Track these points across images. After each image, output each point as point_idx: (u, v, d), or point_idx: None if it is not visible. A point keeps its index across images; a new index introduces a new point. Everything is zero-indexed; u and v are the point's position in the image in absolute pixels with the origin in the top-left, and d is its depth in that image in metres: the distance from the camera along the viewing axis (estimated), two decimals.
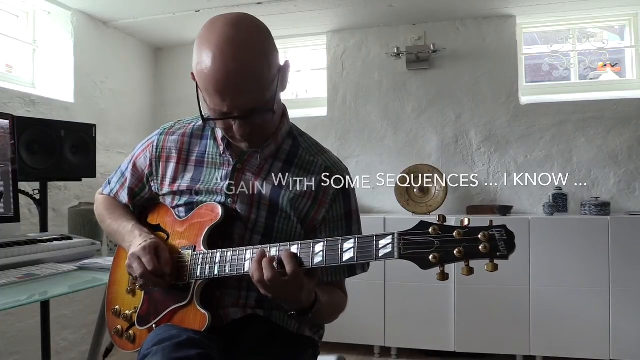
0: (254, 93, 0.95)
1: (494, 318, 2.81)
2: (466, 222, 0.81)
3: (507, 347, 2.82)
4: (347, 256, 0.87)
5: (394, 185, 3.25)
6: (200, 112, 0.99)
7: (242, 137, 1.00)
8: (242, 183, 1.09)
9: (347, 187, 1.12)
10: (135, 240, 1.09)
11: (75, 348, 2.89)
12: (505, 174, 3.24)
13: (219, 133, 1.11)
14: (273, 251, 0.94)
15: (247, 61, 0.94)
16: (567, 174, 3.14)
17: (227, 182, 1.09)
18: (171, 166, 1.16)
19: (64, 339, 2.83)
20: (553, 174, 3.16)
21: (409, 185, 3.23)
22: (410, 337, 2.95)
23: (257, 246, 0.97)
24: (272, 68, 0.98)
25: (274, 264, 0.90)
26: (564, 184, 3.11)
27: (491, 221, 0.81)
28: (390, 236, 0.84)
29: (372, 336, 3.00)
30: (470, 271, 0.81)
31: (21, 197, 1.74)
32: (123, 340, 1.13)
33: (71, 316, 2.86)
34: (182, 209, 1.13)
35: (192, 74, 1.03)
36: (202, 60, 0.94)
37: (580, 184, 3.11)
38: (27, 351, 2.54)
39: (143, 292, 1.10)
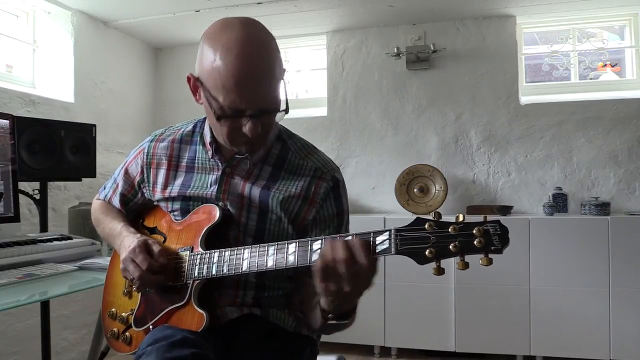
0: (271, 92, 0.97)
1: (494, 318, 2.81)
2: (461, 218, 0.82)
3: (507, 347, 2.82)
4: None
5: (393, 185, 3.25)
6: (213, 110, 0.97)
7: (252, 137, 0.98)
8: (231, 187, 1.09)
9: (338, 186, 1.12)
10: (123, 242, 1.10)
11: (75, 348, 2.89)
12: (505, 174, 3.25)
13: (208, 138, 1.12)
14: (271, 250, 0.94)
15: (268, 60, 0.95)
16: (567, 174, 3.14)
17: (217, 186, 1.09)
18: (162, 173, 1.16)
19: (64, 339, 2.83)
20: (553, 174, 3.16)
21: (411, 182, 3.23)
22: (410, 337, 2.95)
23: (255, 245, 0.97)
24: (283, 70, 1.00)
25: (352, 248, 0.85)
26: (564, 184, 3.11)
27: (485, 216, 0.82)
28: (387, 232, 0.84)
29: (372, 336, 3.00)
30: (465, 265, 0.81)
31: (21, 197, 1.74)
32: (119, 342, 1.13)
33: (71, 316, 2.86)
34: (177, 213, 1.14)
35: (190, 76, 1.02)
36: (220, 57, 0.93)
37: (580, 184, 3.11)
38: (27, 351, 2.54)
39: (140, 293, 1.10)
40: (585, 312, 2.70)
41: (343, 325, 0.97)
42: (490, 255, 0.80)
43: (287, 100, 1.00)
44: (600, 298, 2.69)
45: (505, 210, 3.01)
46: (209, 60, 0.95)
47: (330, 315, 0.94)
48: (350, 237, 0.87)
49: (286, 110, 1.00)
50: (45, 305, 2.17)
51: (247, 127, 0.97)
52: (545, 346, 2.75)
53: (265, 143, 1.09)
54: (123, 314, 1.13)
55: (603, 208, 2.82)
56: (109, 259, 1.27)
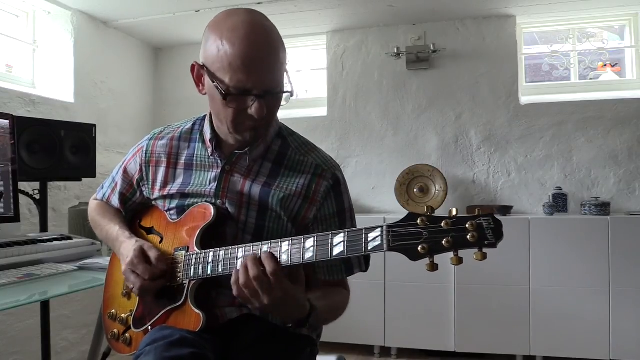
0: (276, 73, 0.99)
1: (494, 318, 2.81)
2: (454, 213, 0.81)
3: (507, 347, 2.82)
4: (337, 250, 0.87)
5: (394, 185, 3.25)
6: (219, 91, 0.97)
7: (258, 118, 0.99)
8: (230, 185, 1.08)
9: (339, 184, 1.11)
10: (121, 249, 1.10)
11: (75, 348, 2.89)
12: (505, 174, 3.25)
13: (208, 135, 1.12)
14: (265, 248, 0.94)
15: (273, 42, 0.99)
16: (567, 174, 3.14)
17: (216, 184, 1.09)
18: (161, 171, 1.16)
19: (64, 339, 2.83)
20: (553, 174, 3.16)
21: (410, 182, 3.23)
22: (410, 337, 2.95)
23: (249, 244, 0.97)
24: (286, 55, 1.03)
25: (261, 261, 0.90)
26: (564, 184, 3.11)
27: (479, 210, 0.80)
28: (379, 229, 0.84)
29: (372, 336, 3.00)
30: (459, 261, 0.80)
31: (21, 197, 1.74)
32: (120, 343, 1.13)
33: (71, 316, 2.86)
34: (174, 212, 1.13)
35: (195, 64, 1.03)
36: (226, 39, 0.95)
37: (580, 184, 3.11)
38: (27, 351, 2.54)
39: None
40: (585, 312, 2.70)
41: (310, 329, 0.98)
42: (485, 250, 0.78)
43: (291, 83, 1.02)
44: (600, 298, 2.69)
45: (505, 210, 3.01)
46: (214, 45, 0.97)
47: (288, 326, 0.97)
48: (341, 234, 0.87)
49: (291, 93, 1.02)
50: (45, 305, 2.17)
51: (253, 109, 0.98)
52: (545, 346, 2.75)
53: (268, 130, 1.10)
54: (123, 315, 1.13)
55: (603, 208, 2.82)
56: (109, 259, 1.26)
